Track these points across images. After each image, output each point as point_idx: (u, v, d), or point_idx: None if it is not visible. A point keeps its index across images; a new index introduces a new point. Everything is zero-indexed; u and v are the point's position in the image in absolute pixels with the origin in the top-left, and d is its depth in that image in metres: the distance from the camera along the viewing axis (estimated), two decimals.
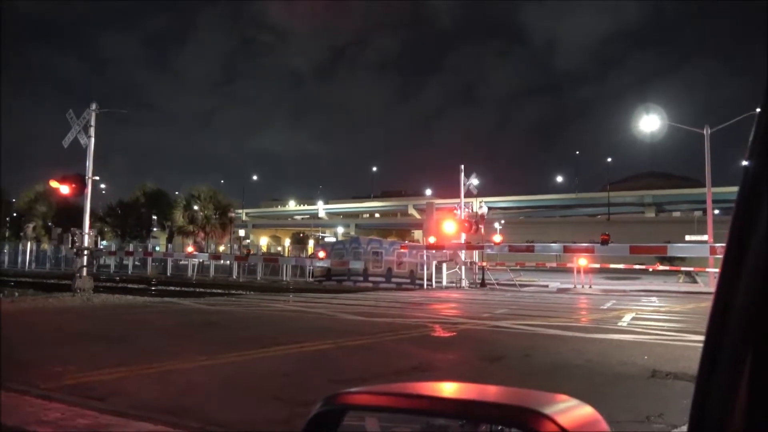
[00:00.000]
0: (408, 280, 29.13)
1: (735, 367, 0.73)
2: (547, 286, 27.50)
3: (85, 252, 18.27)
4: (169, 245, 52.71)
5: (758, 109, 0.77)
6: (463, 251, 26.07)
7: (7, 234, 57.06)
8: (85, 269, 18.07)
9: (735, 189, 0.79)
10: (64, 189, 17.81)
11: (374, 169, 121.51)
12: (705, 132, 25.12)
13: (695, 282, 32.92)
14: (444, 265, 26.73)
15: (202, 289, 24.80)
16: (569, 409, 0.78)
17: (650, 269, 33.85)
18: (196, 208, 50.64)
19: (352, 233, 77.82)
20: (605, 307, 15.63)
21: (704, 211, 37.02)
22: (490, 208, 38.36)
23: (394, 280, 29.90)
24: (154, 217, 54.82)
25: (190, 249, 40.97)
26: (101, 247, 42.65)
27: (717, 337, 0.76)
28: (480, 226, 27.13)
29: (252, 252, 44.14)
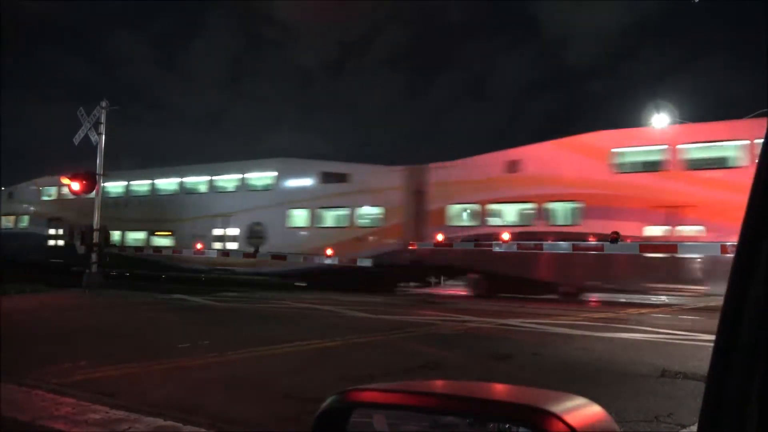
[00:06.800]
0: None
1: (747, 367, 0.72)
2: None
3: (95, 248, 18.45)
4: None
5: None
6: None
7: None
8: (95, 265, 18.25)
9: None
10: (75, 185, 17.97)
11: None
12: None
13: None
14: None
15: (211, 286, 24.88)
16: (578, 408, 0.77)
17: None
18: None
19: None
20: (614, 305, 15.54)
21: None
22: None
23: None
24: None
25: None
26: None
27: (728, 338, 0.75)
28: None
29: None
